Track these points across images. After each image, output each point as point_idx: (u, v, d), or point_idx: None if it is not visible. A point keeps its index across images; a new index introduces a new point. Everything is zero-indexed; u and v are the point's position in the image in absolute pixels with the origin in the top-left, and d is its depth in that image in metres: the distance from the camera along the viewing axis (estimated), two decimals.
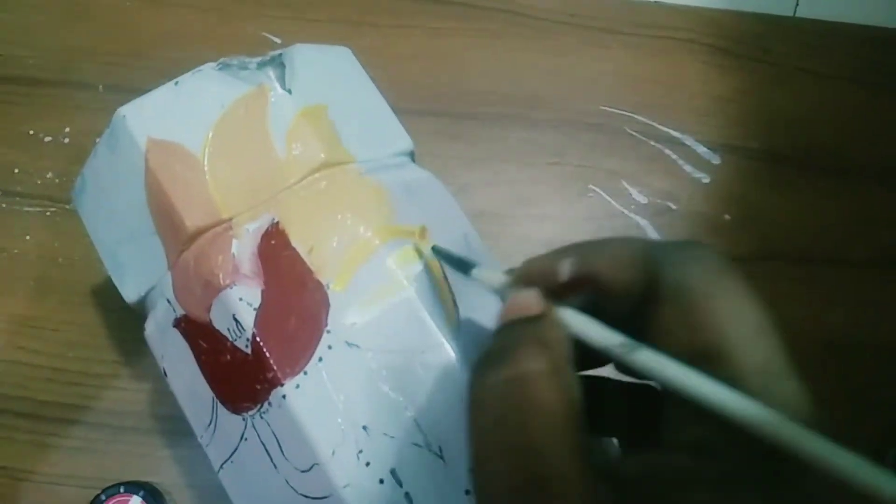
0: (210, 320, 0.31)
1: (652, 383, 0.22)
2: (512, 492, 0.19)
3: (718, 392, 0.19)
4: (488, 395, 0.20)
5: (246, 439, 0.31)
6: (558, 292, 0.24)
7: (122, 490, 0.41)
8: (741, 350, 0.20)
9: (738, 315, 0.21)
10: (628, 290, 0.23)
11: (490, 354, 0.22)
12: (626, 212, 0.52)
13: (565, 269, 0.24)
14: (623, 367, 0.22)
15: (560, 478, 0.18)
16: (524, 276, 0.25)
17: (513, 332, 0.22)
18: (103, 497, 0.41)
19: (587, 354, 0.22)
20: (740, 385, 0.19)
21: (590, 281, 0.23)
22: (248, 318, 0.30)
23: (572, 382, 0.21)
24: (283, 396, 0.29)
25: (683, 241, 0.23)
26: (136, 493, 0.41)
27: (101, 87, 0.53)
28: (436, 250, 0.32)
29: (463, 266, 0.29)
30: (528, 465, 0.19)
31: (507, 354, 0.21)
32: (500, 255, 0.49)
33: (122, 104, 0.33)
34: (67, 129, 0.52)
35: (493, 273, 0.27)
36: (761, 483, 0.19)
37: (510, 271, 0.26)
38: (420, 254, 0.32)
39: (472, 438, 0.21)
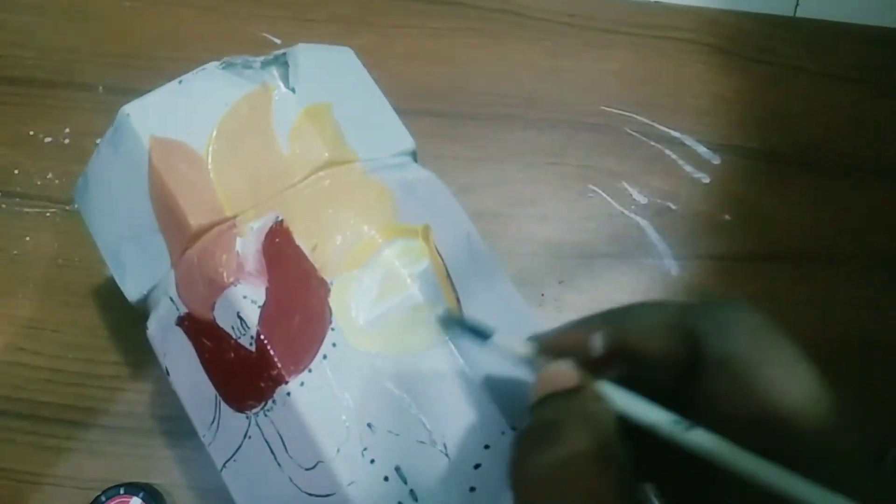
0: (214, 318, 0.31)
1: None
2: None
3: (779, 476, 0.19)
4: (536, 477, 0.20)
5: (249, 437, 0.31)
6: (592, 365, 0.23)
7: (122, 491, 0.41)
8: (797, 413, 0.20)
9: (790, 378, 0.20)
10: (669, 361, 0.22)
11: (534, 431, 0.21)
12: (626, 212, 0.52)
13: (598, 344, 0.23)
14: (670, 443, 0.21)
15: None
16: (553, 348, 0.24)
17: (554, 407, 0.22)
18: (103, 498, 0.41)
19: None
20: (800, 446, 0.19)
21: (625, 354, 0.23)
22: (252, 316, 0.30)
23: (621, 457, 0.20)
24: (288, 394, 0.29)
25: (720, 300, 0.23)
26: (137, 495, 0.41)
27: (101, 87, 0.53)
28: (447, 319, 0.30)
29: (479, 334, 0.28)
30: None
31: (552, 433, 0.20)
32: (501, 255, 0.49)
33: (122, 105, 0.33)
34: (67, 130, 0.52)
35: (515, 342, 0.26)
36: None
37: (534, 338, 0.25)
38: (423, 252, 0.32)
39: None
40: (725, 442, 0.20)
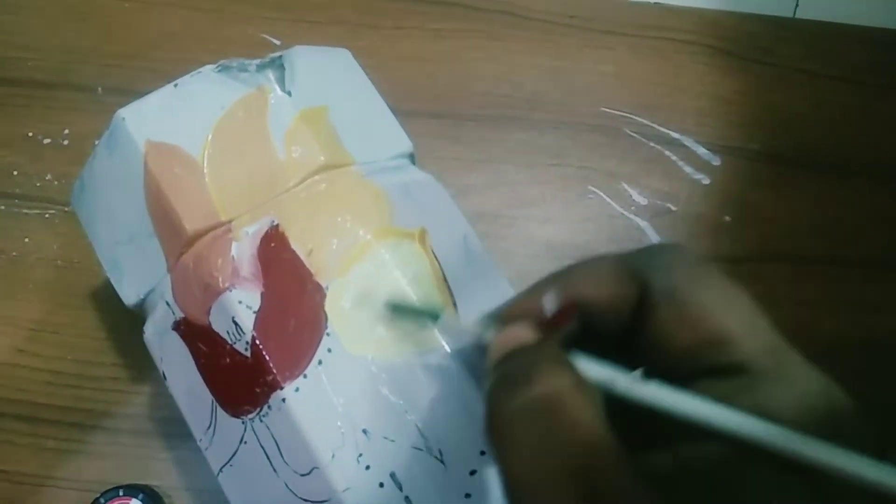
0: (209, 323, 0.31)
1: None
2: None
3: (733, 418, 0.20)
4: (518, 419, 0.20)
5: (245, 443, 0.31)
6: (545, 330, 0.23)
7: (121, 493, 0.41)
8: (745, 334, 0.21)
9: (732, 303, 0.22)
10: (620, 305, 0.23)
11: (506, 379, 0.21)
12: (625, 213, 0.52)
13: (550, 302, 0.23)
14: (621, 399, 0.22)
15: (616, 487, 0.18)
16: (505, 319, 0.24)
17: (522, 356, 0.22)
18: (102, 500, 0.41)
19: None
20: (754, 366, 0.20)
21: (577, 308, 0.23)
22: (247, 321, 0.30)
23: (596, 392, 0.21)
24: (283, 400, 0.29)
25: (655, 245, 0.23)
26: (135, 496, 0.41)
27: (100, 88, 0.53)
28: (396, 306, 0.30)
29: (426, 315, 0.28)
30: (582, 480, 0.18)
31: (527, 375, 0.20)
32: (501, 257, 0.49)
33: (121, 106, 0.33)
34: (66, 132, 0.52)
35: (463, 321, 0.26)
36: None
37: (485, 316, 0.25)
38: (419, 255, 0.32)
39: (508, 463, 0.20)
40: (682, 391, 0.21)
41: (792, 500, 0.19)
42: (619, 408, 0.21)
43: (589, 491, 0.18)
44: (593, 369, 0.22)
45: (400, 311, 0.30)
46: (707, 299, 0.22)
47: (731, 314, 0.21)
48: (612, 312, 0.23)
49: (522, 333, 0.23)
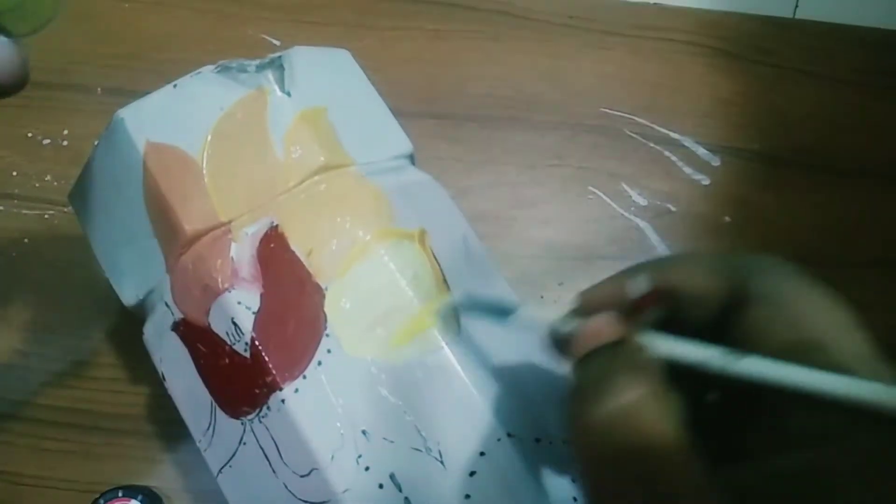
0: (209, 324, 0.31)
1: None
2: None
3: (840, 381, 0.20)
4: (596, 431, 0.20)
5: (245, 444, 0.31)
6: (628, 314, 0.24)
7: (120, 494, 0.41)
8: (840, 340, 0.22)
9: (831, 310, 0.22)
10: (712, 298, 0.23)
11: (585, 387, 0.22)
12: (626, 214, 0.52)
13: (639, 287, 0.24)
14: (718, 379, 0.22)
15: (691, 494, 0.19)
16: (586, 306, 0.25)
17: (601, 361, 0.22)
18: (102, 501, 0.41)
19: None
20: (847, 372, 0.20)
21: (664, 295, 0.24)
22: (246, 322, 0.30)
23: (674, 401, 0.21)
24: (283, 401, 0.29)
25: (763, 255, 0.24)
26: (135, 498, 0.41)
27: (99, 89, 0.53)
28: (463, 304, 0.31)
29: (501, 312, 0.28)
30: (657, 491, 0.19)
31: (604, 387, 0.21)
32: (501, 257, 0.49)
33: (120, 107, 0.33)
34: (66, 132, 0.52)
35: (540, 312, 0.26)
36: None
37: (570, 311, 0.26)
38: (419, 256, 0.32)
39: (587, 470, 0.21)
40: (779, 362, 0.21)
41: None
42: (700, 420, 0.21)
43: (665, 499, 0.19)
44: (686, 349, 0.22)
45: (467, 309, 0.30)
46: (807, 303, 0.22)
47: (828, 321, 0.22)
48: (702, 304, 0.24)
49: (605, 329, 0.23)
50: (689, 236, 0.51)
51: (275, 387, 0.29)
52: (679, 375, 0.22)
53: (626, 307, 0.24)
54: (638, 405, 0.20)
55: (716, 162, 0.53)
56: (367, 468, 0.28)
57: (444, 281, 0.32)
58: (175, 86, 0.33)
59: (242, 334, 0.30)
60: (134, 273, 0.34)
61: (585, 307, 0.25)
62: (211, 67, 0.34)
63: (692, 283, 0.24)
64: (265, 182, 0.32)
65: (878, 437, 0.20)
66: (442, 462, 0.28)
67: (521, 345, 0.32)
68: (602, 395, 0.21)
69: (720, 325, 0.23)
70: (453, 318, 0.31)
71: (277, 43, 0.55)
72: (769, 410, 0.22)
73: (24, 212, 0.50)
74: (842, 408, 0.20)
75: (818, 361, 0.21)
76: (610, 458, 0.20)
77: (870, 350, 0.22)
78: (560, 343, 0.26)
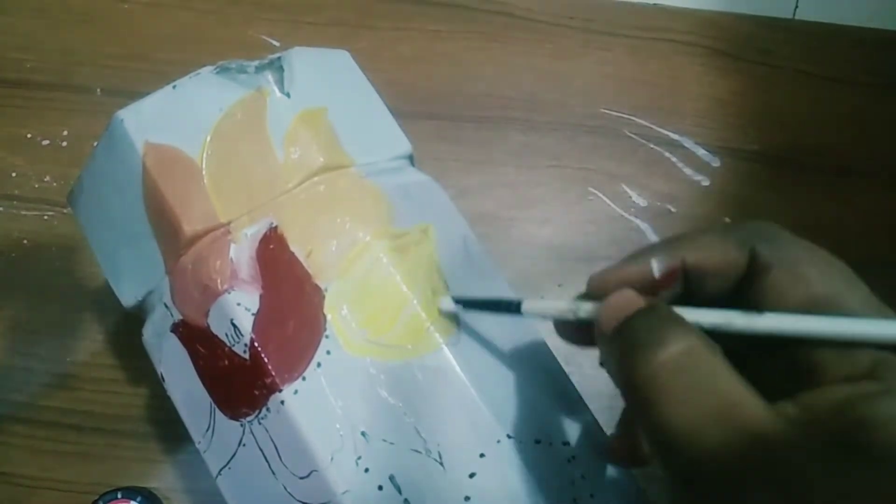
0: (208, 325, 0.31)
1: None
2: (724, 445, 0.20)
3: (862, 324, 0.22)
4: (663, 375, 0.21)
5: (244, 445, 0.31)
6: (648, 293, 0.25)
7: (119, 496, 0.41)
8: (848, 292, 0.23)
9: (834, 265, 0.24)
10: (730, 269, 0.25)
11: (639, 341, 0.22)
12: (625, 214, 0.52)
13: (658, 266, 0.25)
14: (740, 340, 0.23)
15: (762, 425, 0.20)
16: (600, 288, 0.26)
17: (645, 320, 0.23)
18: (101, 503, 0.41)
19: None
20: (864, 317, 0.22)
21: (682, 272, 0.25)
22: (246, 324, 0.30)
23: (718, 348, 0.22)
24: (282, 402, 0.29)
25: (754, 221, 0.26)
26: (134, 499, 0.41)
27: (98, 90, 0.53)
28: (465, 303, 0.31)
29: (502, 309, 0.29)
30: (731, 420, 0.20)
31: (659, 336, 0.22)
32: (500, 258, 0.49)
33: (120, 107, 0.33)
34: (65, 133, 0.52)
35: (547, 302, 0.27)
36: None
37: (580, 297, 0.27)
38: (419, 257, 0.32)
39: (658, 414, 0.21)
40: (801, 314, 0.22)
41: None
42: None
43: (738, 430, 0.20)
44: (706, 315, 0.23)
45: (473, 307, 0.31)
46: (813, 263, 0.24)
47: (835, 276, 0.24)
48: (721, 276, 0.25)
49: (634, 299, 0.24)
50: None
51: (274, 388, 0.29)
52: None
53: (645, 287, 0.25)
54: (696, 348, 0.22)
55: (715, 162, 0.53)
56: (366, 469, 0.28)
57: (444, 281, 0.32)
58: (174, 86, 0.33)
59: (242, 335, 0.30)
60: (133, 274, 0.34)
61: (600, 289, 0.26)
62: (210, 68, 0.33)
63: (714, 257, 0.25)
64: (265, 183, 0.32)
65: None
66: (441, 463, 0.28)
67: (520, 345, 0.32)
68: (661, 343, 0.22)
69: (736, 294, 0.25)
70: (453, 319, 0.31)
71: (277, 44, 0.55)
72: (788, 367, 0.23)
73: (24, 213, 0.50)
74: (867, 346, 0.22)
75: (835, 312, 0.22)
76: (683, 399, 0.21)
77: (872, 297, 0.23)
78: (573, 328, 0.27)
